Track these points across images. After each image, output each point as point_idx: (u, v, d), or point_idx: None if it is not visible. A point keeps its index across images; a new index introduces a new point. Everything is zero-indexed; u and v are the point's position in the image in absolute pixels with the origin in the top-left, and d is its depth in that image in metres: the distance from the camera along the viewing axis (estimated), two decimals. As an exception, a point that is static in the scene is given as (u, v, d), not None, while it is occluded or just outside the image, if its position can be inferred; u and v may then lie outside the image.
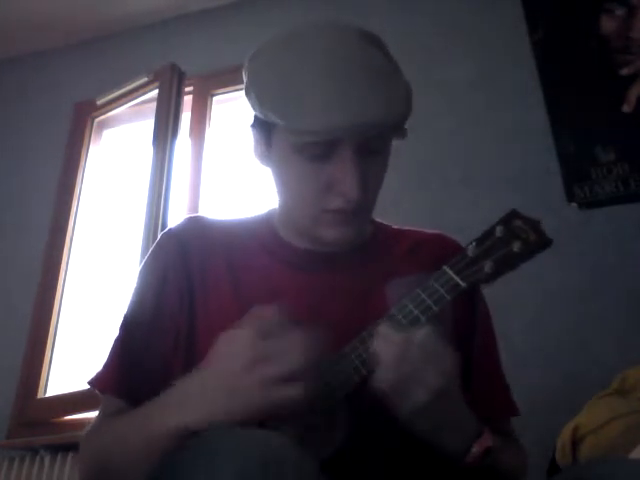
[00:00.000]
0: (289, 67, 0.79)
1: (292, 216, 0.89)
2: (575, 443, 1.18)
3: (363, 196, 0.79)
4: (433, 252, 0.94)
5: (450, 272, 0.76)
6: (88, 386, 0.88)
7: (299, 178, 0.82)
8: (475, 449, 0.75)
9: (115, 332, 0.90)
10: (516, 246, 0.75)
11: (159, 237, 0.95)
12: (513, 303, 1.72)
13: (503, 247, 0.76)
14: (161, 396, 0.73)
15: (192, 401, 0.69)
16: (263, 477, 0.53)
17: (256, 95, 0.81)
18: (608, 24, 2.08)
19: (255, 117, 0.86)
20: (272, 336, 0.67)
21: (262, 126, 0.84)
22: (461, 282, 0.75)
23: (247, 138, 0.90)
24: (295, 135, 0.78)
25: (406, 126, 0.84)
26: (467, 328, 0.90)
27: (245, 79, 0.86)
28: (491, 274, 0.75)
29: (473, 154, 2.07)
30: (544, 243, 0.76)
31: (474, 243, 0.77)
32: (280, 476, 0.54)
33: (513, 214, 0.79)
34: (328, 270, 0.88)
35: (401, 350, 0.69)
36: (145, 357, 0.86)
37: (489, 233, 0.78)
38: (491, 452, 0.76)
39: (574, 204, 1.90)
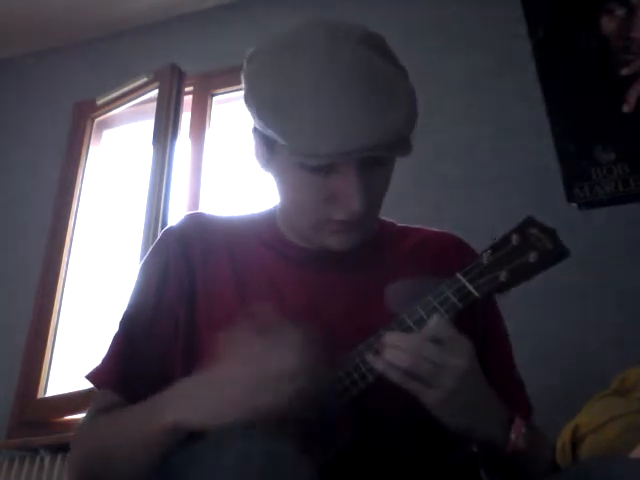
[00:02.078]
0: (286, 80, 0.77)
1: (294, 222, 0.88)
2: (575, 443, 1.18)
3: (367, 208, 0.78)
4: (435, 251, 0.94)
5: (463, 280, 0.74)
6: (88, 386, 0.88)
7: (301, 189, 0.81)
8: (513, 436, 0.75)
9: (115, 328, 0.90)
10: (532, 256, 0.73)
11: (160, 234, 0.95)
12: (513, 303, 1.72)
13: (519, 257, 0.74)
14: (163, 392, 0.74)
15: (192, 398, 0.70)
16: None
17: (255, 108, 0.80)
18: (608, 24, 2.07)
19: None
20: (271, 335, 0.68)
21: (262, 135, 0.82)
22: (474, 291, 0.73)
23: (248, 141, 0.89)
24: (294, 156, 0.77)
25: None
26: (475, 331, 0.88)
27: (244, 86, 0.84)
28: (505, 284, 0.73)
29: (473, 154, 2.07)
30: (561, 254, 0.74)
31: (489, 251, 0.75)
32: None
33: (529, 221, 0.76)
34: (330, 268, 0.88)
35: (414, 351, 0.69)
36: (144, 352, 0.86)
37: (505, 241, 0.75)
38: (525, 439, 0.76)
39: (574, 204, 1.90)
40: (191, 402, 0.69)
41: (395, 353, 0.70)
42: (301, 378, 0.65)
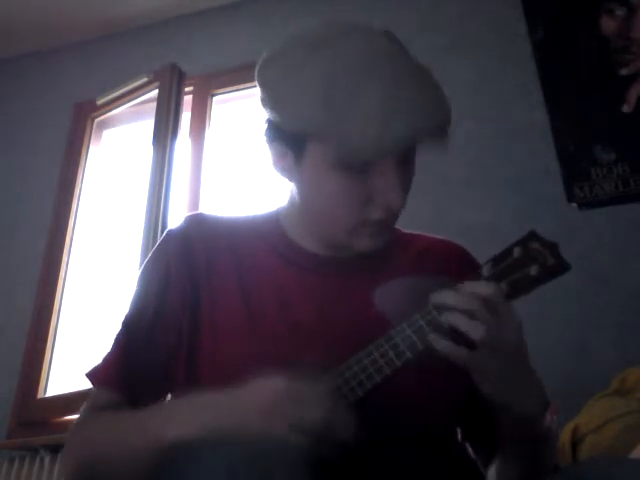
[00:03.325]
0: (326, 75, 0.74)
1: (318, 226, 0.86)
2: (575, 443, 1.18)
3: (404, 205, 0.80)
4: (438, 259, 0.93)
5: None
6: (88, 386, 0.88)
7: (337, 192, 0.79)
8: (549, 416, 0.76)
9: (117, 328, 0.90)
10: (533, 270, 0.74)
11: (162, 237, 0.94)
12: (512, 303, 1.72)
13: (519, 270, 0.74)
14: (166, 404, 0.73)
15: (198, 415, 0.69)
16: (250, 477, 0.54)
17: (288, 108, 0.77)
18: (608, 24, 2.08)
19: (278, 130, 0.81)
20: (300, 383, 0.68)
21: (290, 140, 0.80)
22: None
23: (264, 151, 0.86)
24: (345, 152, 0.75)
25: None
26: None
27: (265, 90, 0.81)
28: (505, 296, 0.73)
29: (473, 154, 2.07)
30: (562, 268, 0.74)
31: (490, 263, 0.75)
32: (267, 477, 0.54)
33: (531, 236, 0.76)
34: (336, 273, 0.88)
35: (487, 303, 0.69)
36: (146, 354, 0.86)
37: (506, 254, 0.75)
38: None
39: (574, 204, 1.90)
40: (196, 419, 0.69)
41: (467, 299, 0.70)
42: (316, 429, 0.65)
